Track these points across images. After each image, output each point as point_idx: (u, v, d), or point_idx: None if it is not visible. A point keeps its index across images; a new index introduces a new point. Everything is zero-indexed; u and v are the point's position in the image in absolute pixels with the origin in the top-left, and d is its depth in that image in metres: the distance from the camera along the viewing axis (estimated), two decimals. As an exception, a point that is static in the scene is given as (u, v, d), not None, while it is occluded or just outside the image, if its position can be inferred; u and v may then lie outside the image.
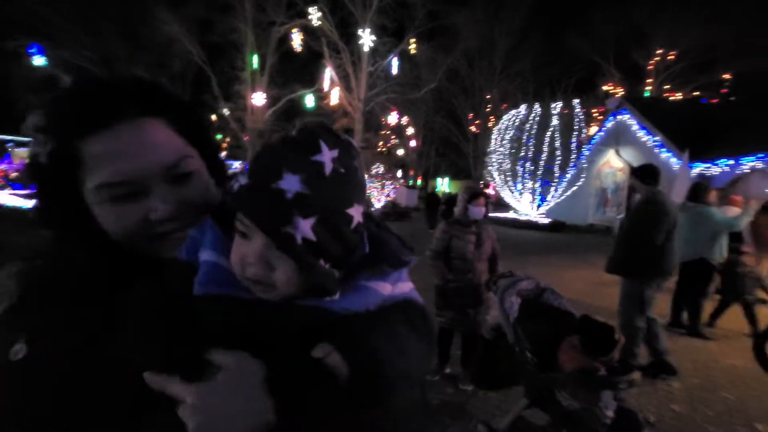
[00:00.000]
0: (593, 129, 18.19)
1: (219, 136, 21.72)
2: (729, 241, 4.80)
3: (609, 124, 16.60)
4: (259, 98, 20.09)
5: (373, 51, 20.05)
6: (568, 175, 16.73)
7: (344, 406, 0.48)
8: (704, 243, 4.56)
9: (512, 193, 17.87)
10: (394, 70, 20.41)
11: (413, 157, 30.92)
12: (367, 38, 19.33)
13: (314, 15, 18.67)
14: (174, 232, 0.58)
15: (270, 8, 19.12)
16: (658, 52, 24.00)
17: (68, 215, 0.58)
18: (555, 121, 16.56)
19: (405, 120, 25.00)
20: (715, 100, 20.34)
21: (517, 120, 17.69)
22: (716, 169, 12.10)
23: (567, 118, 16.67)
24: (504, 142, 17.93)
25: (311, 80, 20.38)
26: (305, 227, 0.45)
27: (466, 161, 28.74)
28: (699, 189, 4.82)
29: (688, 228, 4.55)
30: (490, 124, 25.20)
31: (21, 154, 17.40)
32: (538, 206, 17.13)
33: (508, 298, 2.30)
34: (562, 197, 16.83)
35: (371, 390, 0.49)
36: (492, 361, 2.44)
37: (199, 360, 0.45)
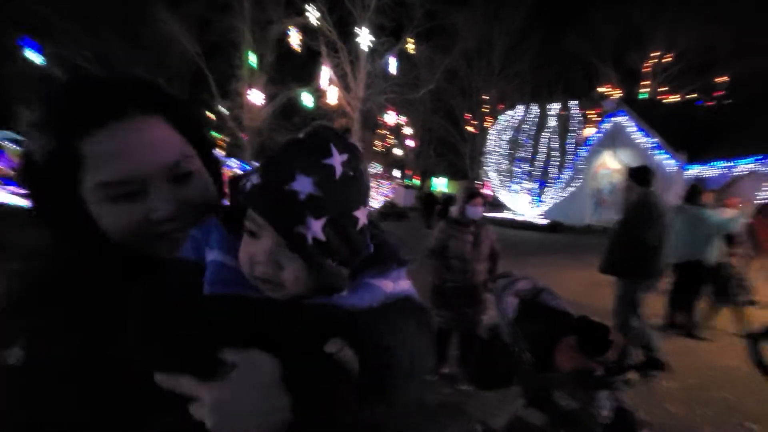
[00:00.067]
0: (590, 130, 18.26)
1: (216, 135, 21.64)
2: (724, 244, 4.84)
3: (606, 126, 16.69)
4: (256, 97, 20.03)
5: (372, 50, 20.04)
6: (565, 176, 16.80)
7: (356, 400, 0.49)
8: (699, 244, 4.59)
9: (509, 193, 17.93)
10: (393, 70, 20.41)
11: (411, 157, 30.95)
12: (365, 37, 19.32)
13: (313, 14, 18.65)
14: (173, 232, 0.57)
15: (269, 7, 19.07)
16: (655, 54, 24.12)
17: (66, 215, 0.57)
18: (552, 122, 16.62)
19: (403, 120, 25.01)
20: (711, 103, 20.47)
21: (514, 121, 17.74)
22: (712, 171, 12.19)
23: (564, 120, 16.74)
24: (501, 142, 17.98)
25: (309, 79, 20.35)
26: (316, 228, 0.46)
27: (464, 161, 28.77)
28: (695, 191, 4.86)
29: (683, 229, 4.58)
30: (487, 125, 25.25)
31: (18, 152, 17.28)
32: (536, 207, 17.20)
33: (505, 298, 2.31)
34: (560, 198, 16.91)
35: (381, 383, 0.51)
36: (489, 361, 2.45)
37: (212, 359, 0.45)
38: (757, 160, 10.93)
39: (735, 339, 4.70)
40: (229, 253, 0.52)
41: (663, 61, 23.97)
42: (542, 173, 16.77)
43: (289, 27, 19.16)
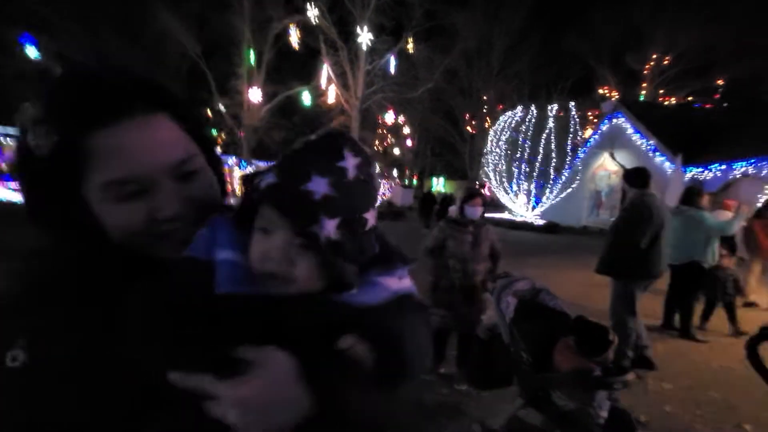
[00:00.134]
0: (588, 132, 18.33)
1: (214, 132, 21.57)
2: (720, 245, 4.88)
3: (604, 128, 16.75)
4: (255, 94, 19.97)
5: (371, 49, 20.03)
6: (563, 177, 16.86)
7: (369, 392, 0.51)
8: (696, 246, 4.62)
9: (507, 194, 17.97)
10: (392, 69, 20.41)
11: (409, 157, 30.97)
12: (365, 36, 19.31)
13: (312, 12, 18.61)
14: (176, 231, 0.57)
15: (268, 5, 19.00)
16: (653, 56, 24.22)
17: (66, 213, 0.55)
18: (551, 124, 16.67)
19: (402, 119, 25.01)
20: (708, 106, 20.58)
21: (513, 121, 17.78)
22: (709, 173, 12.25)
23: (563, 121, 16.79)
24: (500, 143, 18.02)
25: (308, 77, 20.31)
26: (330, 227, 0.48)
27: (462, 161, 28.81)
28: (692, 193, 4.89)
29: (680, 231, 4.61)
30: (486, 125, 25.29)
31: (13, 147, 17.16)
32: (533, 207, 17.25)
33: (504, 299, 2.32)
34: (557, 199, 16.96)
35: (392, 376, 0.53)
36: (487, 361, 2.46)
37: (230, 357, 0.46)
38: (753, 162, 11.00)
39: (730, 340, 4.74)
40: (241, 252, 0.53)
41: (661, 63, 24.06)
42: (540, 174, 16.82)
43: (290, 26, 19.11)
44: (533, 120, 17.06)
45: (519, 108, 18.31)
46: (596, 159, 16.66)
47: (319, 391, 0.47)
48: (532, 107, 17.52)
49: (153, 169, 0.55)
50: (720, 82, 22.89)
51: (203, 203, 0.59)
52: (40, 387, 0.49)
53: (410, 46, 20.73)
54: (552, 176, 16.80)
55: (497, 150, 18.14)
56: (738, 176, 11.37)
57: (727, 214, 5.12)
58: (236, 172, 19.51)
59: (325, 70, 19.62)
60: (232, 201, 0.67)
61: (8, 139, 15.89)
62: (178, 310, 0.49)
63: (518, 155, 17.15)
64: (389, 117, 23.15)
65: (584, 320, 2.05)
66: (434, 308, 3.32)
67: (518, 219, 16.94)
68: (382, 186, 18.56)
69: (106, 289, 0.54)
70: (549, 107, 17.12)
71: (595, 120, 19.35)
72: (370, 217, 0.54)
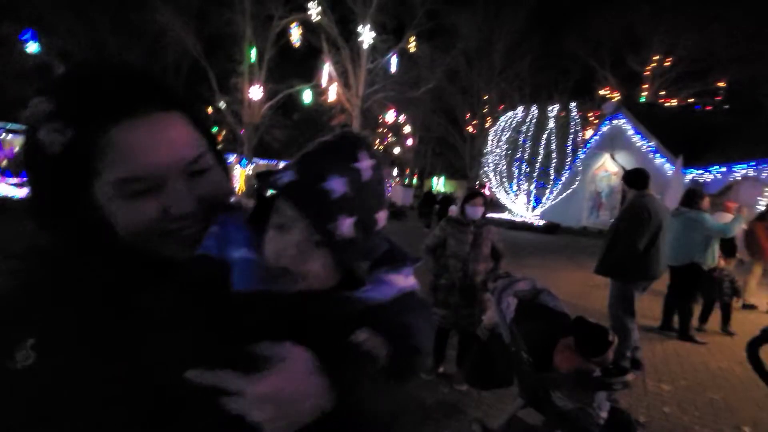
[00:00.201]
0: (589, 133, 18.32)
1: (215, 129, 21.52)
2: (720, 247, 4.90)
3: (604, 129, 16.75)
4: (256, 92, 19.94)
5: (373, 48, 19.99)
6: (564, 178, 16.85)
7: (383, 384, 0.53)
8: (696, 248, 4.63)
9: (507, 194, 17.97)
10: (393, 68, 20.38)
11: (409, 156, 30.94)
12: (366, 35, 19.26)
13: (314, 10, 18.56)
14: (185, 228, 0.56)
15: (269, 2, 18.96)
16: (654, 58, 24.19)
17: (75, 210, 0.54)
18: (551, 124, 16.66)
19: (402, 118, 24.99)
20: (709, 108, 20.58)
21: (514, 122, 17.77)
22: (709, 175, 12.26)
23: (563, 121, 16.78)
24: (500, 143, 18.01)
25: (309, 75, 20.28)
26: (346, 225, 0.50)
27: (462, 161, 28.78)
28: (693, 195, 4.89)
29: (680, 233, 4.61)
30: (487, 125, 25.27)
31: (13, 142, 17.11)
32: (533, 208, 17.24)
33: (505, 299, 2.32)
34: (557, 200, 16.96)
35: (404, 368, 0.56)
36: (487, 361, 2.46)
37: (250, 353, 0.47)
38: (753, 165, 11.00)
39: (729, 341, 4.75)
40: (256, 250, 0.54)
41: (662, 65, 24.04)
42: (541, 175, 16.81)
43: (292, 24, 19.07)
44: (534, 120, 17.05)
45: (520, 108, 18.30)
46: (597, 160, 16.66)
47: (338, 385, 0.48)
48: (533, 108, 17.52)
49: (167, 167, 0.55)
50: (721, 84, 22.87)
51: (212, 201, 0.59)
52: (52, 389, 0.48)
53: (412, 46, 20.69)
54: (552, 177, 16.80)
55: (498, 150, 18.13)
56: (738, 178, 11.37)
57: (728, 216, 5.13)
58: (236, 170, 19.50)
59: (327, 69, 19.58)
60: (233, 199, 0.67)
61: (9, 135, 15.84)
62: (197, 308, 0.49)
63: (519, 155, 17.14)
64: (390, 116, 23.13)
65: (584, 321, 2.05)
66: (435, 308, 3.32)
67: (518, 219, 16.94)
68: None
69: (115, 287, 0.53)
70: (550, 108, 17.11)
71: (596, 121, 19.35)
72: (382, 217, 0.56)
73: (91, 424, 0.48)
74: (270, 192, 0.55)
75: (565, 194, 16.79)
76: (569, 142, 16.58)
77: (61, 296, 0.53)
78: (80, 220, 0.55)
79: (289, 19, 19.27)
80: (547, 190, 16.95)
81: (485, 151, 19.67)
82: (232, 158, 19.81)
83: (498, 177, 18.12)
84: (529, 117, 17.22)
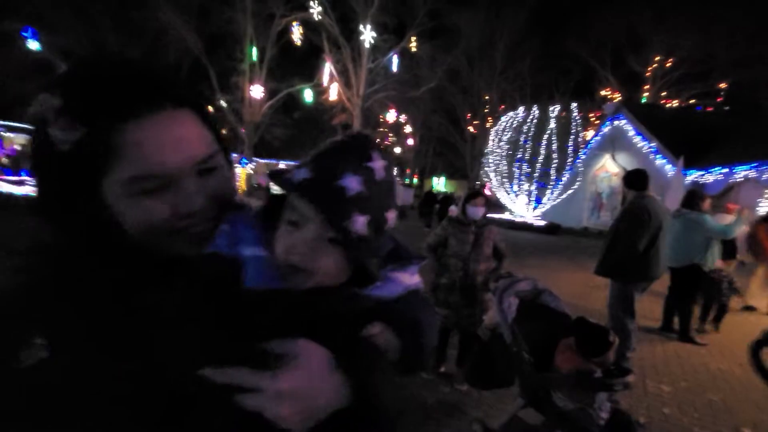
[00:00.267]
0: (590, 133, 18.31)
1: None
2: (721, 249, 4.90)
3: (605, 129, 16.72)
4: (257, 91, 19.92)
5: (374, 47, 19.98)
6: (564, 179, 16.85)
7: (396, 377, 0.55)
8: (697, 249, 4.63)
9: (508, 194, 17.96)
10: (394, 68, 20.36)
11: (410, 156, 30.95)
12: (368, 34, 19.25)
13: (315, 9, 18.55)
14: (193, 226, 0.56)
15: (270, 1, 18.94)
16: (656, 59, 24.17)
17: (83, 207, 0.53)
18: (552, 124, 16.64)
19: (403, 118, 24.98)
20: (710, 109, 20.56)
21: (514, 122, 17.76)
22: (710, 176, 12.25)
23: (564, 122, 16.77)
24: (501, 143, 18.00)
25: (310, 75, 20.27)
26: (361, 223, 0.51)
27: (463, 161, 28.78)
28: (694, 196, 4.89)
29: (681, 234, 4.61)
30: (487, 125, 25.26)
31: (13, 140, 17.10)
32: (534, 208, 17.24)
33: (506, 299, 2.32)
34: (558, 200, 16.95)
35: (414, 361, 0.59)
36: (488, 361, 2.46)
37: (266, 350, 0.47)
38: (754, 166, 10.99)
39: (728, 343, 4.75)
40: (268, 249, 0.54)
41: (664, 66, 24.02)
42: (541, 175, 16.81)
43: (293, 23, 19.05)
44: (535, 120, 17.04)
45: (521, 108, 18.29)
46: (597, 160, 16.65)
47: (354, 380, 0.49)
48: (534, 108, 17.50)
49: (179, 165, 0.54)
50: (722, 85, 22.86)
51: (220, 200, 0.59)
52: (61, 387, 0.48)
53: (413, 45, 20.68)
54: (553, 177, 16.79)
55: (498, 150, 18.12)
56: (739, 180, 11.37)
57: (728, 218, 5.13)
58: (237, 168, 19.50)
59: (328, 68, 19.57)
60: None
61: (9, 133, 15.81)
62: (209, 305, 0.50)
63: (519, 156, 17.13)
64: (391, 115, 23.12)
65: (585, 321, 2.05)
66: (435, 307, 3.32)
67: (518, 220, 16.93)
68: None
69: (123, 285, 0.53)
70: (551, 108, 17.10)
71: (597, 121, 19.33)
72: (391, 216, 0.57)
73: (101, 423, 0.48)
74: (279, 191, 0.55)
75: (565, 195, 16.78)
76: (570, 143, 16.56)
77: (67, 294, 0.52)
78: (87, 218, 0.54)
79: (290, 18, 19.26)
80: (548, 191, 16.94)
81: (486, 151, 19.67)
82: (232, 157, 19.80)
83: (499, 177, 18.11)
84: (530, 117, 17.21)
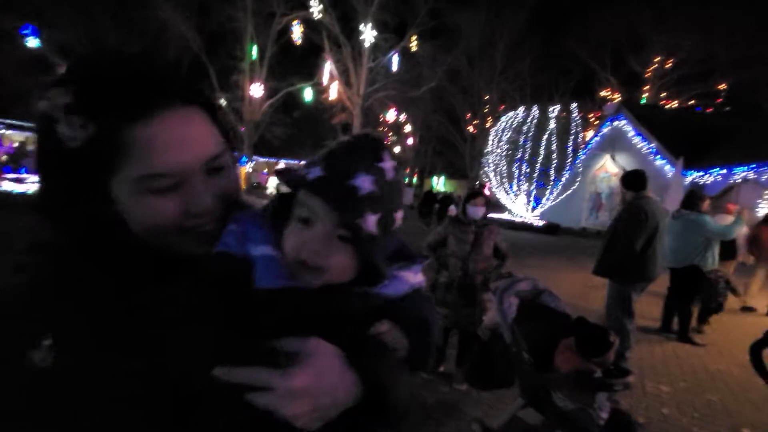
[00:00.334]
0: (589, 134, 18.31)
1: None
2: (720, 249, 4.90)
3: (605, 130, 16.74)
4: (257, 89, 19.89)
5: (374, 47, 19.95)
6: (564, 179, 16.86)
7: (405, 373, 0.56)
8: (696, 250, 4.63)
9: (508, 194, 17.97)
10: (394, 67, 20.34)
11: (410, 155, 30.92)
12: (368, 33, 19.23)
13: (316, 8, 18.51)
14: (201, 225, 0.56)
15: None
16: (656, 59, 24.17)
17: (90, 205, 0.53)
18: (552, 125, 16.65)
19: (403, 117, 24.96)
20: (710, 110, 20.57)
21: (514, 122, 17.76)
22: (709, 177, 12.26)
23: (564, 122, 16.78)
24: (501, 143, 18.00)
25: (310, 73, 20.24)
26: (372, 222, 0.51)
27: (463, 161, 28.77)
28: (693, 197, 4.90)
29: (680, 235, 4.62)
30: (487, 125, 25.25)
31: (12, 138, 17.06)
32: (533, 208, 17.25)
33: (506, 299, 2.32)
34: (557, 200, 16.97)
35: (421, 357, 0.60)
36: (487, 361, 2.46)
37: (277, 348, 0.47)
38: (754, 167, 11.01)
39: (726, 344, 4.76)
40: (276, 247, 0.54)
41: (663, 67, 24.02)
42: (541, 175, 16.82)
43: (293, 21, 19.03)
44: (534, 121, 17.04)
45: (520, 108, 18.29)
46: (597, 161, 16.66)
47: (365, 378, 0.49)
48: (534, 108, 17.51)
49: (190, 163, 0.54)
50: (722, 86, 22.87)
51: (227, 199, 0.59)
52: (68, 386, 0.47)
53: (413, 45, 20.66)
54: (552, 177, 16.80)
55: (498, 150, 18.13)
56: (738, 181, 11.38)
57: (728, 219, 5.14)
58: (237, 167, 19.45)
59: (328, 67, 19.55)
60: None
61: (9, 130, 15.76)
62: (219, 304, 0.50)
63: (519, 156, 17.13)
64: (391, 115, 23.11)
65: (585, 321, 2.05)
66: (436, 306, 3.32)
67: (518, 220, 16.94)
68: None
69: (127, 283, 0.53)
70: (550, 108, 17.11)
71: (597, 122, 19.35)
72: (399, 216, 0.57)
73: (109, 422, 0.48)
74: (286, 189, 0.56)
75: (565, 195, 16.79)
76: (570, 143, 16.57)
77: (71, 292, 0.52)
78: (91, 216, 0.53)
79: (290, 17, 19.24)
80: (547, 191, 16.95)
81: (486, 151, 19.67)
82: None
83: (498, 177, 18.11)
84: (530, 117, 17.21)
